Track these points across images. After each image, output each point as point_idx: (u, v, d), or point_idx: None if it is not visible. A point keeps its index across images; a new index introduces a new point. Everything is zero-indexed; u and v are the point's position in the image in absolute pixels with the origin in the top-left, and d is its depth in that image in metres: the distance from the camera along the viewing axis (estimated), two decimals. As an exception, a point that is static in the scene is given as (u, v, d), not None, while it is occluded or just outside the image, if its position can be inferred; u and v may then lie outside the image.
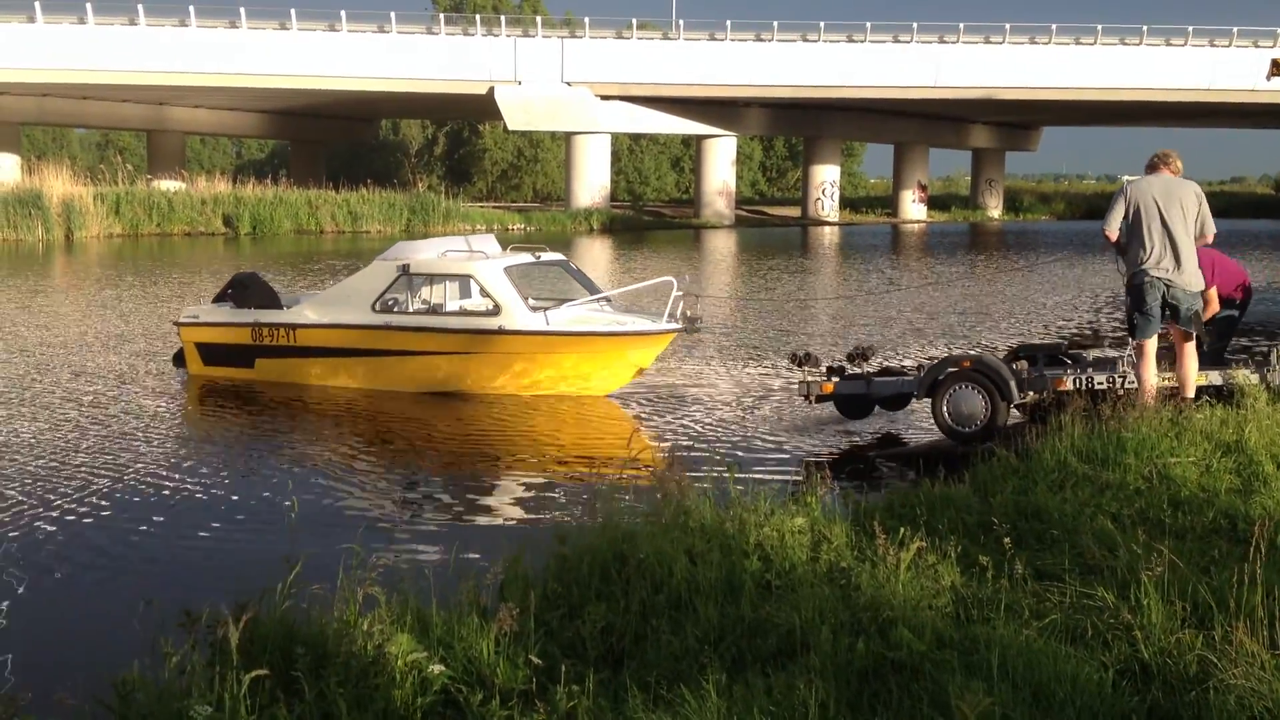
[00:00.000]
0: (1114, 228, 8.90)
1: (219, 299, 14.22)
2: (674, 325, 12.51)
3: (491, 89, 51.55)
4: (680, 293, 12.46)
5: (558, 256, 13.83)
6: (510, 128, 56.39)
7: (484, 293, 12.74)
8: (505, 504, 8.76)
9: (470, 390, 12.70)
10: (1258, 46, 51.34)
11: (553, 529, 5.85)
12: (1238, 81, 51.45)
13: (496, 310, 12.51)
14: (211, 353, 13.76)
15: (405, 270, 12.87)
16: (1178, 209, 8.68)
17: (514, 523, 8.14)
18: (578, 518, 6.54)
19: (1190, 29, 52.11)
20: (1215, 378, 9.30)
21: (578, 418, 12.04)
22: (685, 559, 5.25)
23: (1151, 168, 9.01)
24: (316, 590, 4.90)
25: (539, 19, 56.66)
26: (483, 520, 8.31)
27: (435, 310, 13.03)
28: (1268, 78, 56.90)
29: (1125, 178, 9.41)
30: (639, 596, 4.99)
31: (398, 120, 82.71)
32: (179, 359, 14.14)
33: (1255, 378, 9.17)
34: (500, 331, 12.43)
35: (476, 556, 6.20)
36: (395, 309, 12.94)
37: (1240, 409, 8.09)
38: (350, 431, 11.43)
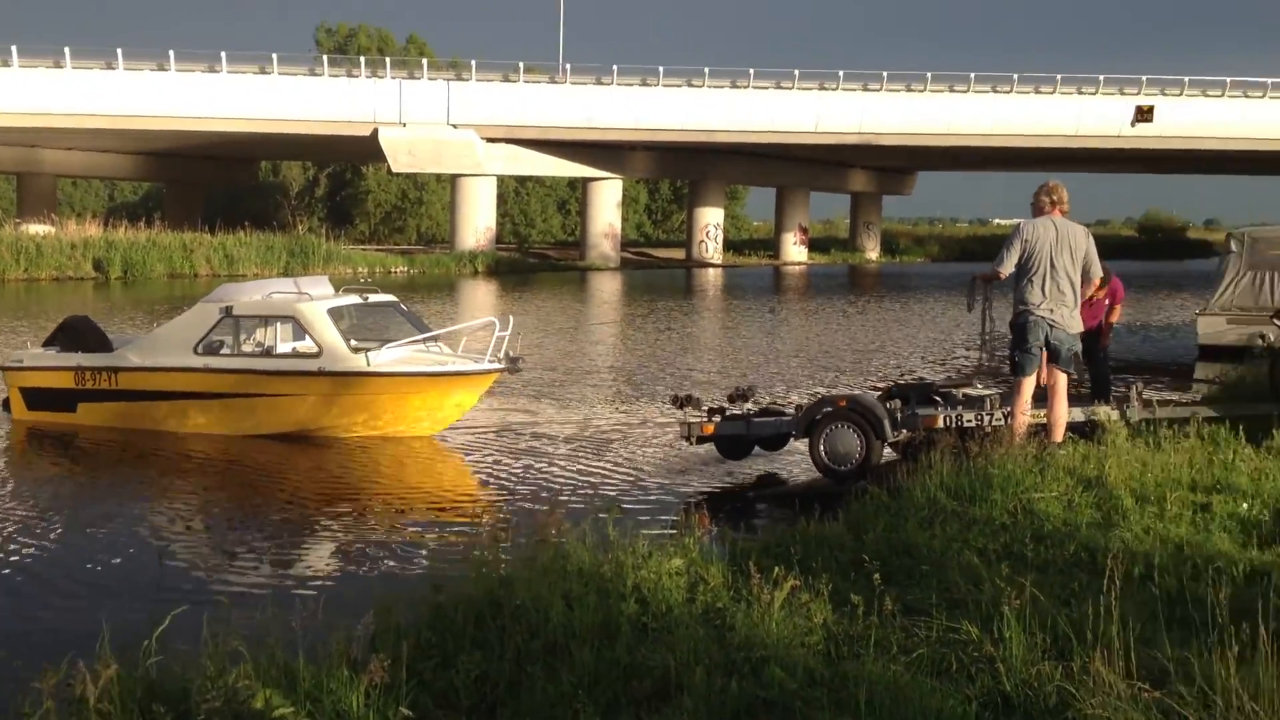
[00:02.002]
0: (1009, 267, 9.06)
1: (48, 343, 13.95)
2: (496, 365, 12.66)
3: (375, 130, 51.14)
4: (504, 332, 12.60)
5: (388, 298, 13.93)
6: (394, 170, 56.01)
7: (307, 334, 12.73)
8: (374, 552, 8.60)
9: (294, 432, 12.65)
10: (1123, 94, 53.45)
11: (427, 577, 5.79)
12: (1104, 128, 53.51)
13: (318, 352, 12.51)
14: (34, 397, 13.51)
15: (228, 312, 12.85)
16: (1068, 253, 8.91)
17: (385, 571, 8.01)
18: (452, 565, 6.48)
19: (1059, 77, 54.02)
20: (1077, 414, 9.60)
21: (436, 461, 12.11)
22: (562, 603, 5.23)
23: (1040, 209, 9.12)
24: (180, 647, 4.77)
25: (424, 61, 56.40)
26: (351, 570, 8.17)
27: (267, 352, 12.98)
28: (1132, 123, 58.82)
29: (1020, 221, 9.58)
30: (514, 643, 4.95)
31: (278, 162, 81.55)
32: (7, 405, 13.84)
33: (1115, 414, 9.49)
34: (320, 373, 12.45)
35: (348, 607, 6.10)
36: (220, 351, 12.86)
37: (1101, 445, 8.37)
38: (196, 480, 11.29)
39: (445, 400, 12.70)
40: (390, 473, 11.64)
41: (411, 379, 12.55)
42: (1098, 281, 9.21)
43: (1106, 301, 11.56)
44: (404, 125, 51.48)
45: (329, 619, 5.31)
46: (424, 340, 13.14)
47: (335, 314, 12.77)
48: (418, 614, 5.34)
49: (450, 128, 52.06)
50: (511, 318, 13.08)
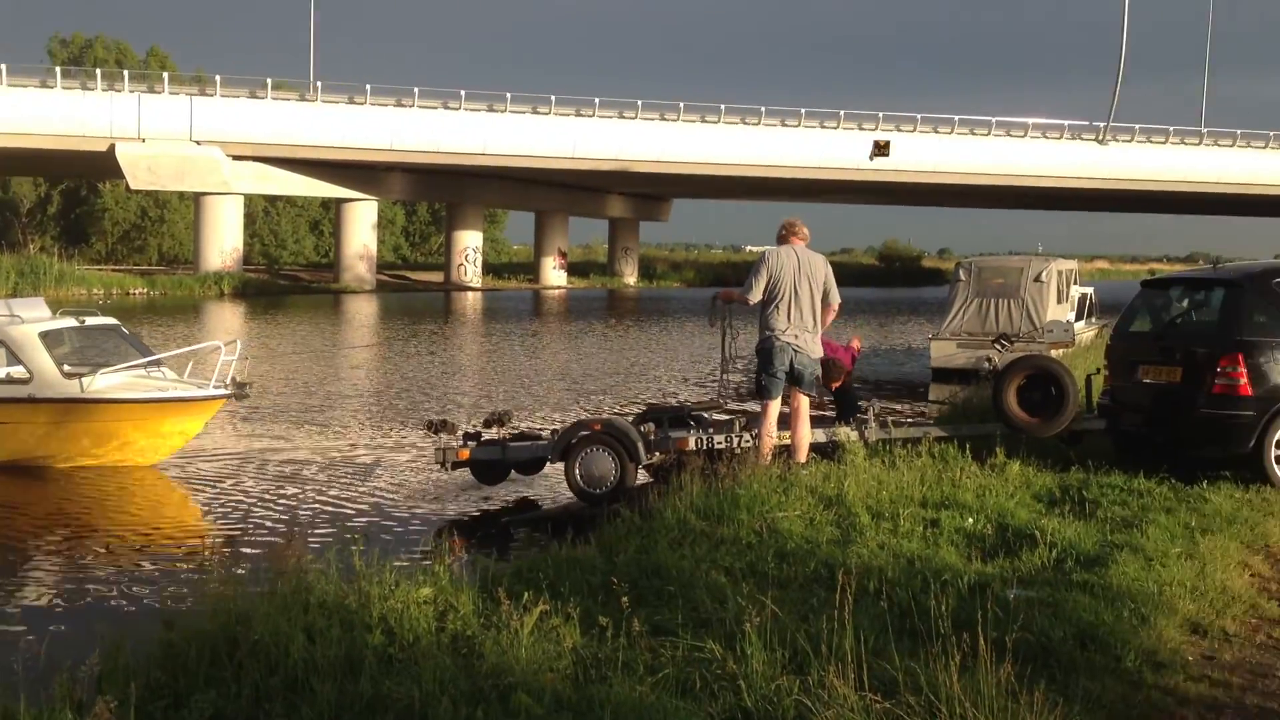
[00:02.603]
0: (758, 294, 9.35)
1: None
2: (221, 391, 12.30)
3: (112, 146, 48.67)
4: (231, 357, 12.23)
5: (108, 320, 13.34)
6: (133, 187, 53.45)
7: (15, 358, 12.08)
8: (100, 589, 8.11)
9: (9, 463, 11.91)
10: (862, 129, 56.16)
11: (157, 613, 5.51)
12: (846, 161, 56.07)
13: (29, 378, 11.88)
14: None
15: None
16: (808, 280, 9.29)
17: (112, 608, 7.56)
18: (185, 600, 6.18)
19: (803, 111, 56.29)
20: (820, 435, 9.98)
21: (169, 492, 11.62)
22: (303, 637, 5.06)
23: (782, 238, 9.54)
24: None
25: (165, 75, 54.03)
26: (76, 607, 7.68)
27: None
28: (871, 157, 62.09)
29: (765, 249, 10.00)
30: (251, 680, 4.77)
31: (7, 177, 76.46)
32: None
33: (854, 434, 9.90)
34: (30, 400, 11.84)
35: (72, 647, 5.73)
36: None
37: (841, 464, 8.72)
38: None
39: (166, 427, 12.18)
40: (117, 504, 11.03)
41: (129, 405, 12.00)
42: (836, 306, 9.62)
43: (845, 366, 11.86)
44: (143, 141, 49.23)
45: (52, 659, 5.01)
46: (145, 365, 12.55)
47: (52, 338, 12.11)
48: (147, 652, 5.08)
49: (193, 144, 50.09)
50: (239, 342, 12.65)
